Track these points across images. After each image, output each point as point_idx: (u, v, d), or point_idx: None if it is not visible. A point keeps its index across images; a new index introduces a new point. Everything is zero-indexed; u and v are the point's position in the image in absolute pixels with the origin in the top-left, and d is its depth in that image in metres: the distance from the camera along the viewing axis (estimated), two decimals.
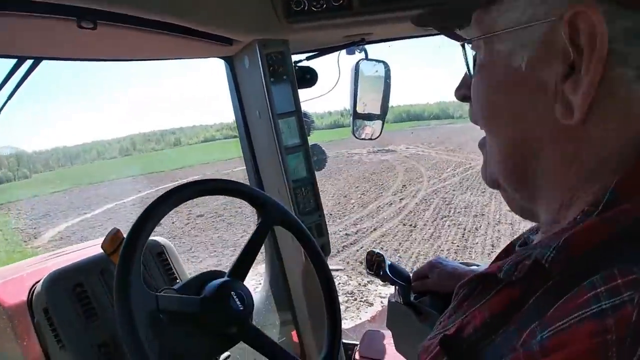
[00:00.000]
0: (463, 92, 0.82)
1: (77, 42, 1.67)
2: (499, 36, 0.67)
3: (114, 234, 1.32)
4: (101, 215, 20.93)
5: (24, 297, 1.86)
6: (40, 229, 19.65)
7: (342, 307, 1.96)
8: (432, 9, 0.82)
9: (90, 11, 1.45)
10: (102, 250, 1.94)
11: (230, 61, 2.14)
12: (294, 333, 2.43)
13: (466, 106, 0.81)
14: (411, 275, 1.58)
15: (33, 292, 1.84)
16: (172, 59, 2.07)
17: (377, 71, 2.24)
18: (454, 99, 0.85)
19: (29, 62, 1.75)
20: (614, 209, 0.56)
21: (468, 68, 0.77)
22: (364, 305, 9.37)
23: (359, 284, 10.25)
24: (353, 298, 9.69)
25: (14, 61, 1.75)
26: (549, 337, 0.50)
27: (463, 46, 0.77)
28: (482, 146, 0.79)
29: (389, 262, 1.58)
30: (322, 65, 2.25)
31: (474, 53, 0.75)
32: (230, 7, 1.79)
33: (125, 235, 1.28)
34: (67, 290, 1.74)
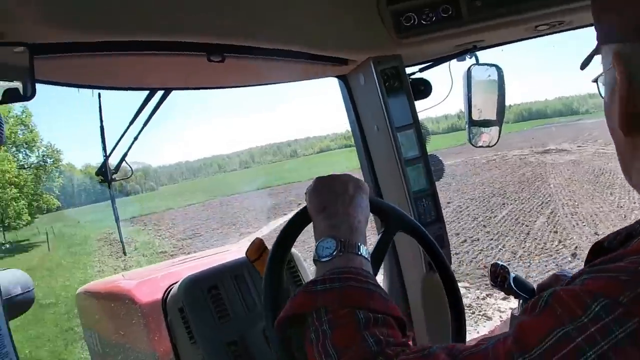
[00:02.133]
0: None
1: (207, 73, 1.86)
2: (603, 76, 0.87)
3: (258, 243, 1.43)
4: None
5: (158, 297, 2.07)
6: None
7: None
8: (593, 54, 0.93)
9: (219, 46, 1.60)
10: (234, 257, 2.12)
11: (345, 79, 2.23)
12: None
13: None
14: (535, 287, 1.56)
15: (169, 292, 2.05)
16: (293, 81, 2.20)
17: (489, 75, 2.20)
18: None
19: (159, 93, 1.97)
20: None
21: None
22: (482, 319, 9.14)
23: (478, 297, 9.99)
24: (471, 311, 9.47)
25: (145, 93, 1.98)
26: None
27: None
28: None
29: (513, 275, 1.57)
30: (433, 73, 2.27)
31: None
32: (343, 30, 1.89)
33: (266, 245, 1.40)
34: (203, 292, 1.91)
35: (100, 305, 2.51)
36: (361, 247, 1.05)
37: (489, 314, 9.49)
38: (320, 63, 1.97)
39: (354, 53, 1.99)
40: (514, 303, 1.59)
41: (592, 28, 0.88)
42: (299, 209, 1.26)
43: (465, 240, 15.75)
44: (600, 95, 0.89)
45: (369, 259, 1.07)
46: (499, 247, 14.91)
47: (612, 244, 0.81)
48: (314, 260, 1.05)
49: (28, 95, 1.26)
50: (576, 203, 18.57)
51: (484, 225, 17.41)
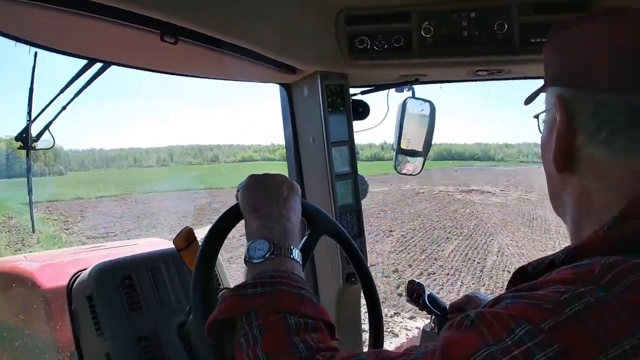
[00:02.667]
0: None
1: (157, 54, 1.82)
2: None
3: (187, 232, 1.41)
4: None
5: (63, 283, 1.95)
6: None
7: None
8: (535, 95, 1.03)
9: (174, 27, 1.59)
10: (150, 250, 2.05)
11: (288, 88, 2.27)
12: None
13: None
14: (448, 306, 1.66)
15: (75, 279, 1.92)
16: (239, 80, 2.22)
17: (422, 110, 2.32)
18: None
19: (97, 65, 1.91)
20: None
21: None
22: (389, 335, 9.36)
23: (386, 314, 10.22)
24: None
25: (82, 62, 1.90)
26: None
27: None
28: None
29: (428, 293, 1.69)
30: (370, 98, 2.35)
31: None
32: (298, 39, 1.94)
33: (195, 235, 1.39)
34: (115, 281, 1.81)
35: None
36: (294, 250, 1.06)
37: (396, 331, 9.74)
38: (268, 67, 1.98)
39: (304, 63, 2.02)
40: (420, 322, 1.68)
41: (526, 81, 1.02)
42: (230, 205, 1.26)
43: (421, 273, 15.91)
44: (539, 130, 0.98)
45: (301, 262, 1.08)
46: (458, 282, 15.11)
47: (536, 270, 0.86)
48: (245, 261, 1.05)
49: None
50: (519, 244, 19.24)
51: (435, 259, 17.62)
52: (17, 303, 2.16)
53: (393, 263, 17.20)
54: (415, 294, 1.67)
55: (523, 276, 0.88)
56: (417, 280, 1.71)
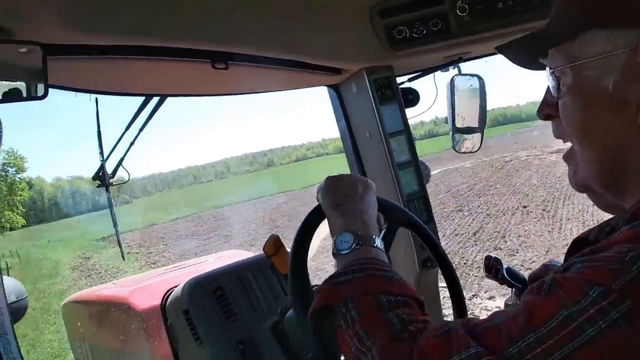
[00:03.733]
0: (547, 111, 1.02)
1: (209, 80, 1.96)
2: (586, 64, 0.87)
3: (274, 239, 1.51)
4: None
5: (155, 302, 2.11)
6: None
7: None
8: (516, 42, 1.01)
9: (223, 54, 1.70)
10: (230, 261, 2.17)
11: (336, 88, 2.34)
12: None
13: None
14: (527, 278, 1.68)
15: (168, 296, 2.09)
16: (289, 89, 2.31)
17: (471, 85, 2.34)
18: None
19: (155, 99, 2.03)
20: None
21: (552, 91, 0.96)
22: (470, 317, 9.31)
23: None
24: None
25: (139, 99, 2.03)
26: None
27: (553, 73, 0.94)
28: (568, 158, 1.00)
29: (506, 266, 1.70)
30: (418, 82, 2.41)
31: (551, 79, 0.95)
32: (338, 41, 2.01)
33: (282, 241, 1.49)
34: (208, 293, 1.95)
35: (90, 313, 2.51)
36: (375, 239, 1.14)
37: (476, 313, 9.64)
38: (315, 72, 2.08)
39: (348, 63, 2.11)
40: (499, 301, 1.71)
41: None
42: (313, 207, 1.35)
43: None
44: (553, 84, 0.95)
45: (384, 250, 1.17)
46: None
47: (597, 237, 0.91)
48: (334, 254, 1.14)
49: (40, 95, 1.29)
50: None
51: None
52: (116, 326, 2.30)
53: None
54: (493, 268, 1.70)
55: (583, 244, 0.92)
56: (493, 255, 1.73)
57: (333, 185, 1.30)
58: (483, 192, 21.82)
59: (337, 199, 1.26)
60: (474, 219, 17.37)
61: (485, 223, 16.73)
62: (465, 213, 18.35)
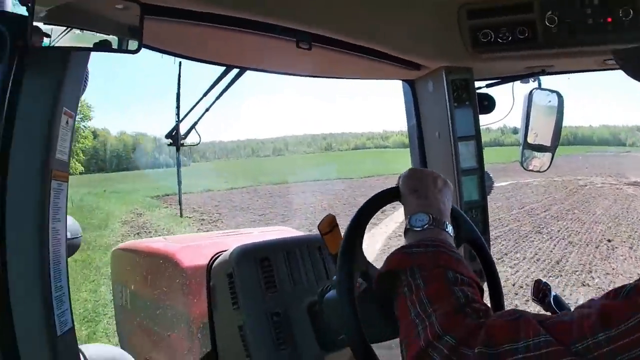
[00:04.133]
0: None
1: (292, 59, 2.00)
2: None
3: (330, 219, 1.54)
4: None
5: (201, 263, 2.18)
6: None
7: None
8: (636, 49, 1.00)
9: (308, 34, 1.74)
10: (284, 235, 2.21)
11: (412, 84, 2.35)
12: None
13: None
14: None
15: (215, 259, 2.15)
16: (367, 79, 2.34)
17: (550, 101, 2.28)
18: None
19: (235, 71, 2.09)
20: None
21: None
22: None
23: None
24: None
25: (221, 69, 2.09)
26: None
27: None
28: None
29: (554, 294, 1.67)
30: (495, 90, 2.36)
31: None
32: (422, 36, 2.02)
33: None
34: (255, 261, 2.00)
35: (137, 262, 2.60)
36: (448, 225, 1.19)
37: None
38: (394, 65, 2.08)
39: (428, 59, 2.10)
40: None
41: None
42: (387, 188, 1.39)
43: None
44: None
45: (453, 237, 1.21)
46: None
47: None
48: (406, 230, 1.20)
49: (134, 50, 1.34)
50: None
51: None
52: (161, 278, 2.38)
53: None
54: (542, 293, 1.68)
55: None
56: (543, 280, 1.70)
57: (415, 174, 1.35)
58: (561, 216, 20.57)
59: (416, 185, 1.30)
60: (555, 245, 16.47)
61: (568, 252, 16.00)
62: (544, 236, 17.46)
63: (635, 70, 1.05)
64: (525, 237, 17.35)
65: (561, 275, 13.74)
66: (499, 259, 13.52)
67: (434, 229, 1.15)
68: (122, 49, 1.36)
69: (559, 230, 18.12)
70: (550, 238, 17.20)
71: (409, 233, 1.18)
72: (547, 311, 1.66)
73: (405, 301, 0.98)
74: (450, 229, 1.19)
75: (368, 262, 1.34)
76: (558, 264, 14.69)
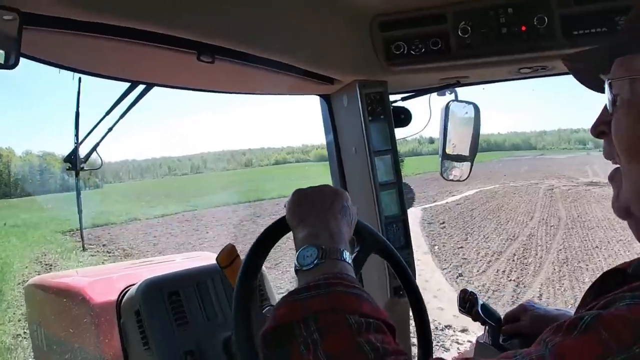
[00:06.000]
0: (601, 128, 0.94)
1: (195, 73, 1.88)
2: None
3: (230, 249, 1.44)
4: None
5: (112, 297, 2.05)
6: None
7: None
8: (584, 54, 0.96)
9: (210, 47, 1.63)
10: (195, 265, 2.11)
11: (328, 99, 2.29)
12: None
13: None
14: (502, 317, 1.64)
15: (124, 294, 2.02)
16: (277, 94, 2.26)
17: (466, 112, 2.31)
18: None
19: (141, 87, 1.97)
20: None
21: (608, 106, 0.90)
22: (440, 349, 9.20)
23: (436, 327, 10.04)
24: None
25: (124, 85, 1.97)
26: None
27: (610, 85, 0.89)
28: (612, 178, 0.92)
29: (481, 302, 1.65)
30: (412, 103, 2.36)
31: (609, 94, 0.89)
32: (334, 49, 1.97)
33: (238, 252, 1.42)
34: (163, 296, 1.89)
35: (49, 300, 2.46)
36: (343, 252, 1.06)
37: (447, 345, 9.57)
38: (307, 79, 2.02)
39: (341, 73, 2.05)
40: (472, 336, 1.67)
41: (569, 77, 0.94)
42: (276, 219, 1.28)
43: None
44: (610, 107, 0.91)
45: (352, 264, 1.08)
46: None
47: (638, 270, 0.84)
48: (296, 270, 1.05)
49: (10, 64, 1.21)
50: None
51: None
52: (67, 317, 2.27)
53: None
54: (468, 303, 1.66)
55: (618, 277, 0.85)
56: (469, 290, 1.69)
57: (300, 199, 1.24)
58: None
59: (302, 213, 1.19)
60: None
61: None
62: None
63: (585, 74, 1.00)
64: None
65: None
66: None
67: (326, 262, 1.02)
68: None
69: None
70: None
71: (299, 274, 1.05)
72: (475, 321, 1.64)
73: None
74: (347, 255, 1.06)
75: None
76: None
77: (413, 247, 2.16)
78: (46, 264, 16.09)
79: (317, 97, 2.34)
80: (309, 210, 1.18)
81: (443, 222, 20.18)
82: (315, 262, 1.02)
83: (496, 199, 26.03)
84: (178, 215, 24.90)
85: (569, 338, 0.67)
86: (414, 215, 20.21)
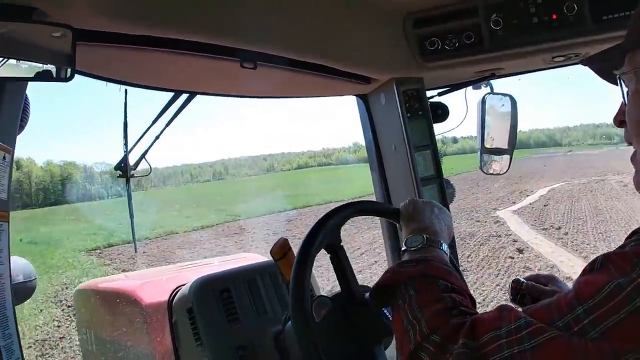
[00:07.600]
0: (619, 118, 1.07)
1: (238, 80, 1.98)
2: None
3: (282, 243, 1.51)
4: None
5: (162, 299, 2.15)
6: None
7: None
8: (602, 54, 1.09)
9: (252, 53, 1.72)
10: (245, 263, 2.17)
11: (365, 98, 2.35)
12: None
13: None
14: None
15: (175, 293, 2.12)
16: (316, 96, 2.33)
17: (503, 105, 2.34)
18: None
19: (184, 96, 2.05)
20: None
21: (623, 98, 1.03)
22: None
23: None
24: None
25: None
26: None
27: (621, 79, 1.02)
28: (633, 160, 1.05)
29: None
30: (449, 98, 2.42)
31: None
32: (369, 49, 2.03)
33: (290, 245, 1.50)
34: (214, 294, 1.99)
35: (100, 303, 2.54)
36: (443, 244, 1.29)
37: None
38: (344, 80, 2.09)
39: (378, 72, 2.11)
40: None
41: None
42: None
43: None
44: (625, 98, 1.04)
45: (449, 255, 1.29)
46: None
47: None
48: (403, 251, 1.29)
49: (66, 77, 1.31)
50: None
51: None
52: (120, 318, 2.34)
53: None
54: (520, 294, 1.67)
55: None
56: (521, 279, 1.70)
57: (413, 205, 1.46)
58: None
59: (413, 213, 1.42)
60: None
61: None
62: None
63: (606, 72, 1.11)
64: None
65: None
66: None
67: (428, 248, 1.25)
68: (57, 77, 1.32)
69: None
70: None
71: (405, 254, 1.27)
72: None
73: (399, 311, 1.06)
74: (445, 247, 1.29)
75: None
76: None
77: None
78: (68, 306, 12.15)
79: (342, 99, 2.41)
80: (418, 214, 1.42)
81: (559, 227, 17.97)
82: (419, 246, 1.27)
83: (581, 198, 24.38)
84: (221, 227, 22.47)
85: (588, 275, 0.85)
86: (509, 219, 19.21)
